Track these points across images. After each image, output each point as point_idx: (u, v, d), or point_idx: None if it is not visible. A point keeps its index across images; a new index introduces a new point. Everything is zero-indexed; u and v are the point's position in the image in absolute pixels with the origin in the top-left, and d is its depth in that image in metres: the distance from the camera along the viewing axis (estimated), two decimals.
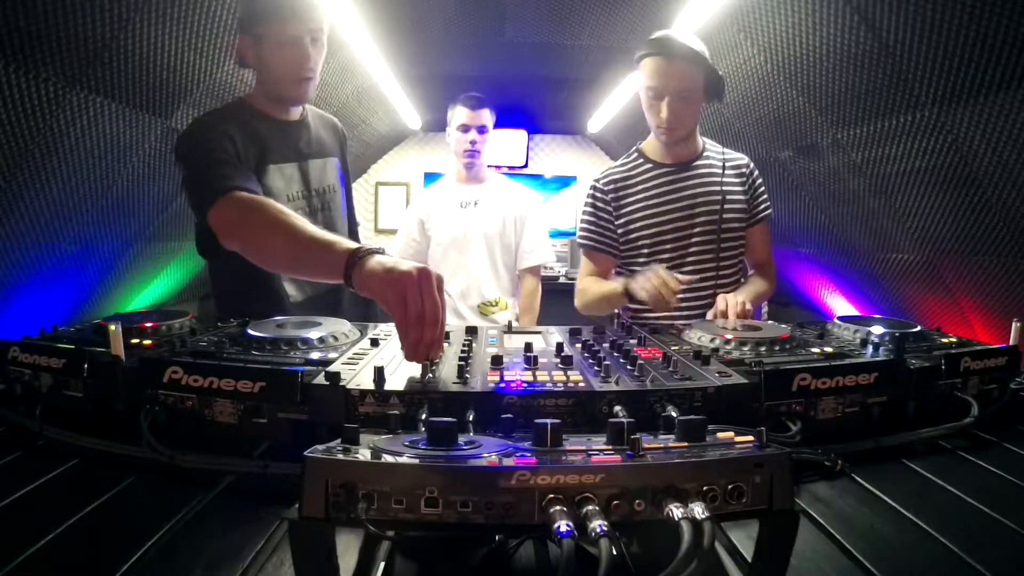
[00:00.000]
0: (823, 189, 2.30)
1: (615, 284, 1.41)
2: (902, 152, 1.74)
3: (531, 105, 3.79)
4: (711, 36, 1.98)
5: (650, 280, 1.25)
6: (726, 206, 1.44)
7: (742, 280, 1.54)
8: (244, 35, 1.20)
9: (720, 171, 1.46)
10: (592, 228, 1.51)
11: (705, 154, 1.49)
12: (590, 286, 1.52)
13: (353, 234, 1.49)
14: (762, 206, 1.53)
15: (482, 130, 2.11)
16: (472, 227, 2.13)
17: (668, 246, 1.44)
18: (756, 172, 1.52)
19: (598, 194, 1.50)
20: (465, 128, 2.09)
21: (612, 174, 1.50)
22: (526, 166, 4.50)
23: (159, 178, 2.08)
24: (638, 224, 1.45)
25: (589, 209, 1.52)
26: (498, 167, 4.47)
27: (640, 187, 1.46)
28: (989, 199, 1.57)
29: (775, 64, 1.89)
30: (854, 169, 2.01)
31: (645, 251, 1.46)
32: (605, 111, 3.39)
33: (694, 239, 1.44)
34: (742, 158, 1.52)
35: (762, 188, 1.53)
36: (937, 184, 1.70)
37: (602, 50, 2.52)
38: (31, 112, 1.38)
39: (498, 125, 4.52)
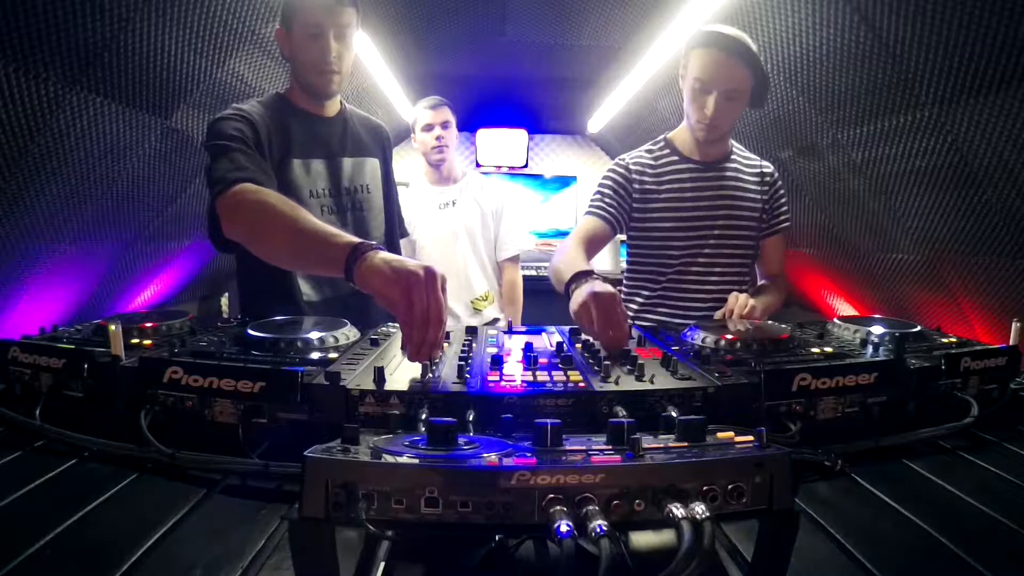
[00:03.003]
0: (823, 189, 2.30)
1: (568, 269, 1.11)
2: (902, 152, 1.73)
3: (531, 105, 3.80)
4: None
5: (588, 300, 0.94)
6: (752, 212, 1.43)
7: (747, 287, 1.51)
8: (281, 26, 1.25)
9: (749, 176, 1.45)
10: (606, 199, 1.41)
11: (733, 156, 1.46)
12: (569, 249, 1.31)
13: (392, 239, 1.47)
14: (782, 216, 1.50)
15: (445, 125, 2.12)
16: (454, 226, 2.16)
17: (682, 243, 1.41)
18: (780, 182, 1.50)
19: (623, 171, 1.43)
20: (429, 127, 2.11)
21: (642, 159, 1.45)
22: (526, 166, 4.49)
23: (159, 178, 2.08)
24: (656, 215, 1.41)
25: (609, 183, 1.43)
26: (498, 167, 4.48)
27: (667, 180, 1.42)
28: (989, 199, 1.57)
29: (775, 64, 1.89)
30: (854, 169, 2.01)
31: (656, 243, 1.43)
32: (605, 111, 3.39)
33: (709, 240, 1.42)
34: (768, 165, 1.50)
35: (784, 199, 1.51)
36: (937, 184, 1.70)
37: (602, 50, 2.52)
38: (31, 112, 1.38)
39: (499, 125, 4.52)
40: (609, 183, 1.45)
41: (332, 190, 1.30)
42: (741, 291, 1.46)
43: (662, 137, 1.50)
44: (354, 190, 1.34)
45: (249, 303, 1.35)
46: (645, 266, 1.47)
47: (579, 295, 0.99)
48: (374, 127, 1.45)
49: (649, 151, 1.47)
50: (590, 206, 1.46)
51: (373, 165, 1.41)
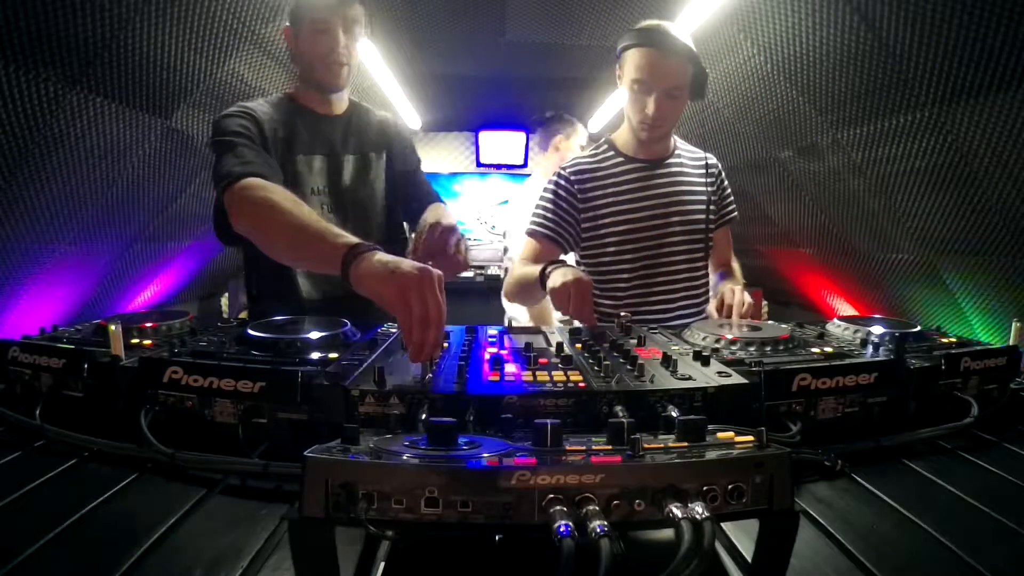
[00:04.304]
0: (823, 189, 2.31)
1: (534, 268, 1.24)
2: (902, 152, 1.74)
3: (531, 105, 3.79)
4: (711, 36, 1.98)
5: (568, 284, 1.08)
6: (703, 206, 1.41)
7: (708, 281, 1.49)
8: (289, 24, 1.25)
9: (695, 170, 1.43)
10: (548, 216, 1.38)
11: (677, 152, 1.44)
12: (515, 268, 1.38)
13: (395, 238, 1.43)
14: (729, 207, 1.50)
15: None
16: None
17: (639, 244, 1.38)
18: (723, 173, 1.49)
19: (563, 183, 1.38)
20: (583, 148, 2.48)
21: (581, 164, 1.40)
22: (525, 165, 4.50)
23: (159, 178, 2.08)
24: (608, 220, 1.37)
25: (550, 197, 1.39)
26: (498, 167, 4.48)
27: (611, 181, 1.38)
28: (989, 199, 1.57)
29: (775, 64, 1.89)
30: (854, 169, 2.01)
31: (611, 248, 1.38)
32: (605, 111, 3.39)
33: (667, 238, 1.38)
34: (711, 157, 1.48)
35: (728, 190, 1.50)
36: (937, 184, 1.70)
37: (602, 50, 2.53)
38: (31, 112, 1.38)
39: (499, 125, 4.52)
40: (550, 196, 1.39)
41: (332, 188, 1.30)
42: (704, 286, 1.45)
43: (604, 140, 1.46)
44: (355, 188, 1.33)
45: (255, 299, 1.36)
46: (607, 274, 1.42)
47: (559, 277, 1.11)
48: (381, 121, 1.41)
49: (592, 155, 1.42)
50: (531, 224, 1.40)
51: (378, 162, 1.38)
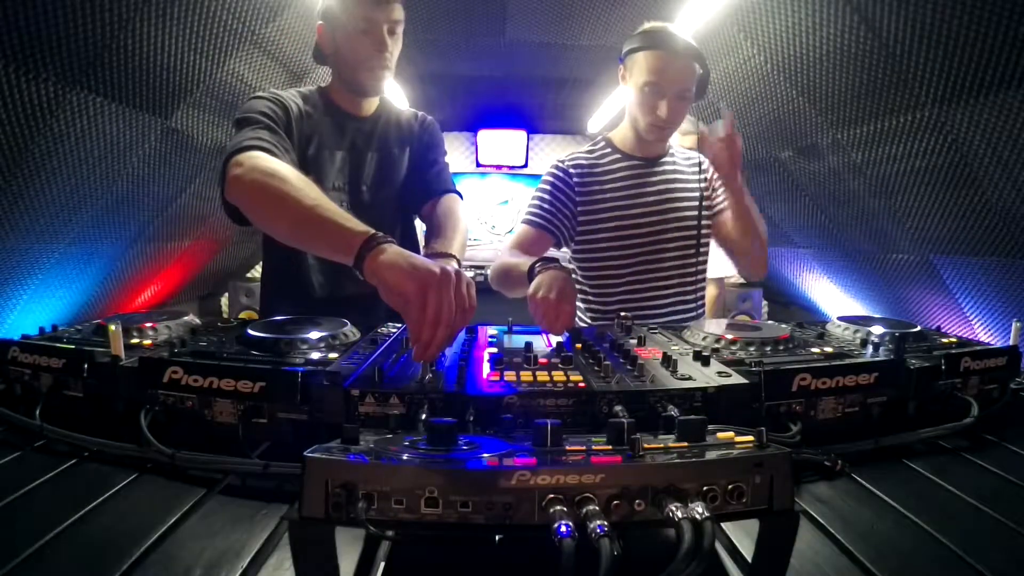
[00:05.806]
0: (823, 189, 2.31)
1: (523, 261, 1.18)
2: (902, 152, 1.74)
3: (531, 105, 3.80)
4: (711, 36, 1.99)
5: (550, 302, 0.99)
6: (696, 203, 1.41)
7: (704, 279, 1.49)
8: (323, 21, 1.20)
9: (688, 169, 1.44)
10: (545, 207, 1.38)
11: (672, 151, 1.45)
12: (504, 255, 1.34)
13: (410, 236, 1.40)
14: (722, 197, 1.48)
15: None
16: None
17: (632, 241, 1.38)
18: (711, 168, 1.49)
19: (561, 174, 1.39)
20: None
21: (579, 159, 1.41)
22: (526, 165, 4.50)
23: (159, 178, 2.08)
24: (603, 216, 1.38)
25: (547, 188, 1.39)
26: (498, 167, 4.48)
27: (608, 178, 1.39)
28: (989, 199, 1.57)
29: (775, 64, 1.89)
30: (854, 169, 2.01)
31: (604, 245, 1.39)
32: (605, 111, 3.39)
33: (660, 235, 1.39)
34: (704, 156, 1.46)
35: (719, 182, 1.48)
36: (937, 184, 1.70)
37: (602, 50, 2.53)
38: (31, 112, 1.38)
39: (498, 125, 4.52)
40: (547, 187, 1.39)
41: (353, 186, 1.28)
42: (697, 283, 1.44)
43: (601, 137, 1.46)
44: (375, 188, 1.30)
45: (268, 298, 1.34)
46: (600, 270, 1.42)
47: (543, 288, 1.00)
48: (407, 119, 1.38)
49: (589, 151, 1.43)
50: (526, 214, 1.40)
51: (399, 161, 1.34)
